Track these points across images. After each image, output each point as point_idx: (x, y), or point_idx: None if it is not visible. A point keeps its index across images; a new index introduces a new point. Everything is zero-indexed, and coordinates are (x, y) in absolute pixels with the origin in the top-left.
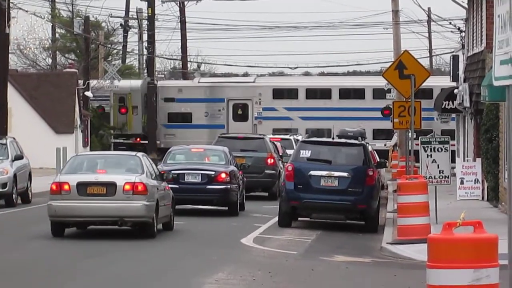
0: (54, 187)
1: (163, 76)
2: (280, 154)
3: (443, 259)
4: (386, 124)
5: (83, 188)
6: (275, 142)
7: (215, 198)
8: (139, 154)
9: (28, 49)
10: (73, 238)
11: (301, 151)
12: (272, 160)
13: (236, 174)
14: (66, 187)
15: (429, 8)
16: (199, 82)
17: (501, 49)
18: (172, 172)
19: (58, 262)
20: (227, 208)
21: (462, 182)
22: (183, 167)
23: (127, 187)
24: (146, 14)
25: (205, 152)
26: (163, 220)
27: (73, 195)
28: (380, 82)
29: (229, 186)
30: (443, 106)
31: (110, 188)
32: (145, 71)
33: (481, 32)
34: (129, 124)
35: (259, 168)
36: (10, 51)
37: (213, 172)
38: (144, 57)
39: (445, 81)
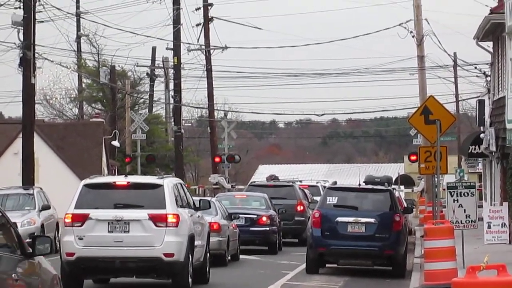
0: None
1: (190, 124)
2: (309, 201)
3: None
4: None
5: None
6: (304, 189)
7: (257, 239)
8: (213, 199)
9: (54, 99)
10: None
11: (328, 198)
12: (302, 207)
13: (274, 217)
14: None
15: (454, 53)
16: None
17: None
18: None
19: None
20: (267, 247)
21: (489, 226)
22: (229, 211)
23: None
24: (172, 63)
25: (247, 198)
26: (232, 252)
27: None
28: None
29: (269, 228)
30: (469, 151)
31: None
32: (172, 120)
33: (507, 76)
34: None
35: (289, 215)
36: (36, 101)
37: (255, 216)
38: (171, 106)
39: None
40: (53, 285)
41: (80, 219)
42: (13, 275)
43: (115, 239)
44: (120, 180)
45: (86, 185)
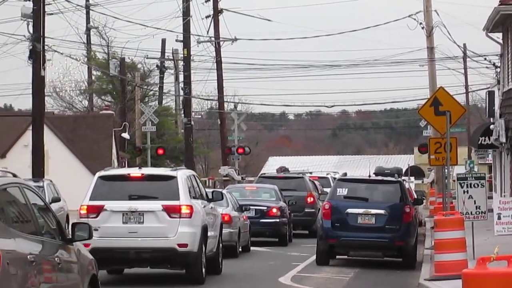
0: None
1: (200, 116)
2: (319, 192)
3: None
4: None
5: None
6: (314, 181)
7: (268, 230)
8: (224, 191)
9: (64, 91)
10: None
11: (338, 189)
12: (312, 199)
13: (285, 209)
14: None
15: (464, 45)
16: None
17: None
18: None
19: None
20: (277, 239)
21: (499, 218)
22: (239, 203)
23: None
24: (182, 55)
25: (258, 189)
26: (243, 243)
27: None
28: None
29: (279, 220)
30: (479, 142)
31: None
32: (182, 112)
33: None
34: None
35: (299, 207)
36: (46, 94)
37: (265, 207)
38: (181, 98)
39: None
40: (88, 270)
41: (95, 211)
42: (55, 259)
43: (130, 230)
44: (135, 172)
45: (101, 177)
